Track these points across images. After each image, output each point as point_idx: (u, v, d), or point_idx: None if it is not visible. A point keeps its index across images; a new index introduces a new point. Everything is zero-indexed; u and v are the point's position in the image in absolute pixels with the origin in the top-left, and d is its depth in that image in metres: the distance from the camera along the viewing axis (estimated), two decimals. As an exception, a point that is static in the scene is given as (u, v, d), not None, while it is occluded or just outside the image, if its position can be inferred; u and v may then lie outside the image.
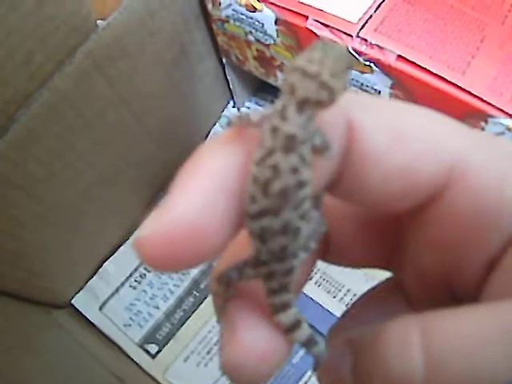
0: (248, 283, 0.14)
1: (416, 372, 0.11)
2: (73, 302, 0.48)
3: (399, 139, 0.13)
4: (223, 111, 0.55)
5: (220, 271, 0.14)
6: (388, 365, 0.12)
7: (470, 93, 0.34)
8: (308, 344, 0.14)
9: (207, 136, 0.54)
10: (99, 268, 0.49)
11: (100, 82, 0.37)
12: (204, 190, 0.12)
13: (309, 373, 0.44)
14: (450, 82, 0.35)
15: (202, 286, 0.49)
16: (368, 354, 0.13)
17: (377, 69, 0.37)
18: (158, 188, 0.52)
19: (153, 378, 0.46)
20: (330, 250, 0.17)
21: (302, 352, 0.45)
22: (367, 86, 0.39)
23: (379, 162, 0.13)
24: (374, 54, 0.37)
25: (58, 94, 0.34)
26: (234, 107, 0.55)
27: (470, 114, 0.35)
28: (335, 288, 0.46)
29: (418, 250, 0.15)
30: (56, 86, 0.33)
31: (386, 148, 0.13)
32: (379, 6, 0.38)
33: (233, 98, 0.54)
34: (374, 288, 0.19)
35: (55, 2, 0.32)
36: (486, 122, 0.35)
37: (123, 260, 0.50)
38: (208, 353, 0.46)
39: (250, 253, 0.13)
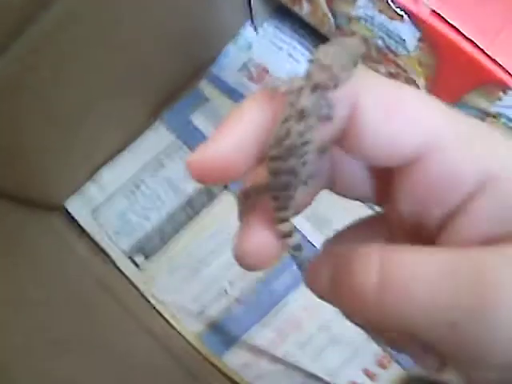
0: (262, 200, 0.19)
1: (370, 286, 0.16)
2: (66, 205, 0.49)
3: (388, 115, 0.17)
4: (240, 30, 0.53)
5: (245, 188, 0.19)
6: (352, 277, 0.16)
7: (495, 61, 0.34)
8: (296, 249, 0.19)
9: (220, 53, 0.53)
10: (96, 174, 0.50)
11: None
12: (239, 134, 0.17)
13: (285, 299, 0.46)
14: (478, 47, 0.34)
15: (196, 204, 0.49)
16: (341, 267, 0.17)
17: (408, 19, 0.36)
18: (162, 100, 0.51)
19: (137, 288, 0.47)
20: (337, 184, 0.21)
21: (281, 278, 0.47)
22: (394, 33, 0.38)
23: (371, 130, 0.17)
24: (408, 3, 0.35)
25: (73, 3, 0.32)
26: (251, 27, 0.53)
27: (491, 82, 0.35)
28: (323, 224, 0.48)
29: (400, 195, 0.19)
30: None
31: (377, 121, 0.17)
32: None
33: (251, 17, 0.52)
34: (366, 218, 0.23)
35: None
36: (505, 92, 0.35)
37: (119, 168, 0.50)
38: (193, 269, 0.48)
39: (265, 180, 0.18)
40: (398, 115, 0.17)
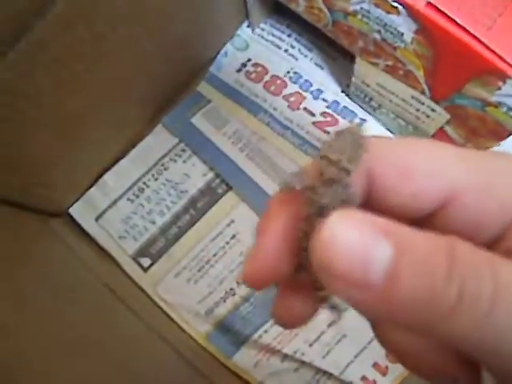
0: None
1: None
2: (70, 210, 0.49)
3: (404, 179, 0.17)
4: (237, 31, 0.53)
5: None
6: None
7: (492, 50, 0.34)
8: (334, 311, 0.20)
9: (217, 54, 0.53)
10: (99, 179, 0.50)
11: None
12: (271, 244, 0.18)
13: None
14: (475, 37, 0.34)
15: (199, 204, 0.49)
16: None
17: (404, 11, 0.36)
18: (162, 103, 0.51)
19: (143, 291, 0.47)
20: None
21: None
22: (390, 26, 0.38)
23: (392, 196, 0.18)
24: (403, -4, 0.35)
25: (71, 5, 0.33)
26: (248, 27, 0.53)
27: (490, 72, 0.35)
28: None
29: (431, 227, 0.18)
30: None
31: (395, 187, 0.18)
32: None
33: (248, 17, 0.52)
34: None
35: None
36: (504, 82, 0.34)
37: (123, 173, 0.50)
38: (199, 270, 0.48)
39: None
40: (413, 178, 0.17)
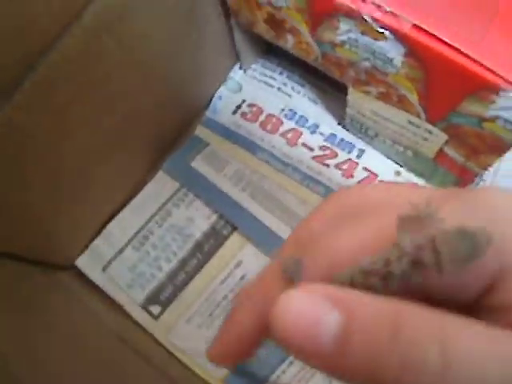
0: None
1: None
2: (76, 263, 0.49)
3: None
4: (229, 73, 0.54)
5: None
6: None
7: (482, 65, 0.34)
8: None
9: (212, 98, 0.54)
10: (102, 229, 0.50)
11: (105, 45, 0.36)
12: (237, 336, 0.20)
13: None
14: (463, 54, 0.34)
15: (206, 248, 0.49)
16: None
17: (391, 36, 0.37)
18: (162, 150, 0.52)
19: (155, 339, 0.46)
20: None
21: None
22: (379, 52, 0.39)
23: None
24: (389, 21, 0.36)
25: (65, 56, 0.33)
26: (240, 69, 0.54)
27: (483, 87, 0.35)
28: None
29: None
30: (63, 48, 0.33)
31: None
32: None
33: (239, 59, 0.53)
34: None
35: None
36: (498, 95, 0.35)
37: (126, 221, 0.50)
38: (210, 314, 0.47)
39: None
40: None
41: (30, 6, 0.30)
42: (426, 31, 0.35)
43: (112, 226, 0.50)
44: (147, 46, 0.41)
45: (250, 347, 0.20)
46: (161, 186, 0.51)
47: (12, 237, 0.39)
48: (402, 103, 0.42)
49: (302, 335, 0.13)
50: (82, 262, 0.49)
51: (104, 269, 0.49)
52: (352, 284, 0.15)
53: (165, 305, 0.48)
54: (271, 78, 0.54)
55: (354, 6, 0.37)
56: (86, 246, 0.49)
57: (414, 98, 0.40)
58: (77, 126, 0.38)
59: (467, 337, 0.13)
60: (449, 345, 0.12)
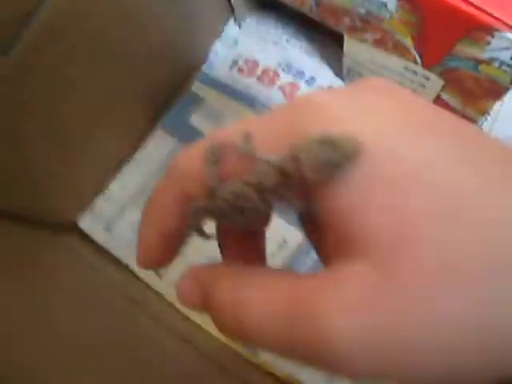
0: None
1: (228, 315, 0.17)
2: (79, 223, 0.49)
3: None
4: (224, 28, 0.54)
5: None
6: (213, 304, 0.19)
7: (477, 6, 0.34)
8: None
9: (208, 52, 0.53)
10: (103, 188, 0.50)
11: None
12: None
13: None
14: (457, -5, 0.34)
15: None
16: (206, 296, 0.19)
17: (384, -20, 0.36)
18: (159, 108, 0.52)
19: (160, 295, 0.47)
20: None
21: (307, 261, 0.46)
22: (372, -2, 0.38)
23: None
24: (381, -36, 0.36)
25: (56, 12, 0.33)
26: (235, 24, 0.54)
27: (477, 28, 0.34)
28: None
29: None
30: (56, 4, 0.33)
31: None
32: None
33: (233, 14, 0.53)
34: None
35: None
36: (493, 36, 0.34)
37: (127, 180, 0.50)
38: (213, 269, 0.48)
39: None
40: None
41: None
42: (418, -28, 0.34)
43: (113, 184, 0.50)
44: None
45: (173, 243, 0.23)
46: (160, 142, 0.51)
47: (13, 196, 0.39)
48: (397, 49, 0.41)
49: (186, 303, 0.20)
50: (85, 223, 0.49)
51: (107, 228, 0.49)
52: (239, 195, 0.16)
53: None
54: (266, 32, 0.54)
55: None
56: (88, 206, 0.49)
57: (409, 42, 0.40)
58: (74, 82, 0.38)
59: (251, 299, 0.16)
60: (237, 308, 0.17)
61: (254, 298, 0.16)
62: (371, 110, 0.16)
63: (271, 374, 0.46)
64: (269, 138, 0.16)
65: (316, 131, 0.15)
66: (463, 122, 0.17)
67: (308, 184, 0.15)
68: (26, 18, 0.32)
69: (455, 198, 0.14)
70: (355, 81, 0.18)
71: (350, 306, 0.14)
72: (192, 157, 0.18)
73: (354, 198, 0.14)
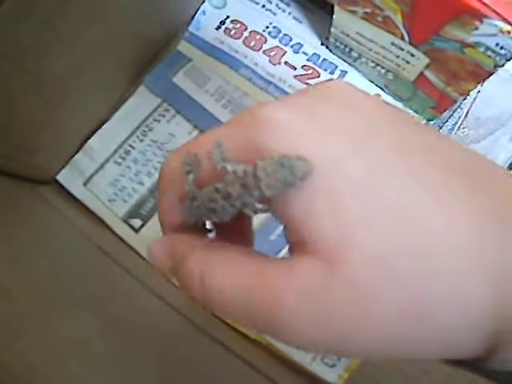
0: None
1: (196, 288, 0.19)
2: (57, 177, 0.49)
3: None
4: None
5: None
6: (182, 278, 0.20)
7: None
8: None
9: (194, 14, 0.53)
10: (84, 144, 0.50)
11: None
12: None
13: (284, 250, 0.47)
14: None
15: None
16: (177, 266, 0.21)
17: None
18: (144, 65, 0.51)
19: (136, 252, 0.48)
20: None
21: (278, 230, 0.47)
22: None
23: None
24: None
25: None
26: (224, -17, 0.53)
27: (467, 12, 0.35)
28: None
29: None
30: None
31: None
32: None
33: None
34: None
35: None
36: (481, 21, 0.35)
37: (108, 136, 0.50)
38: (190, 229, 0.48)
39: None
40: None
41: None
42: (414, -49, 0.34)
43: (93, 140, 0.50)
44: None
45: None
46: (142, 100, 0.51)
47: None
48: (386, 24, 0.42)
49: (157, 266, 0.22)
50: (64, 177, 0.49)
51: (85, 183, 0.49)
52: (211, 200, 0.19)
53: (146, 219, 0.49)
54: (256, -6, 0.53)
55: None
56: (68, 161, 0.49)
57: (398, 19, 0.40)
58: (62, 36, 0.38)
59: (218, 272, 0.19)
60: (205, 278, 0.19)
61: (220, 271, 0.19)
62: (327, 127, 0.18)
63: (242, 333, 0.47)
64: (236, 150, 0.18)
65: (276, 150, 0.17)
66: (418, 132, 0.19)
67: (266, 196, 0.17)
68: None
69: (381, 203, 0.17)
70: (319, 84, 0.20)
71: (301, 289, 0.17)
72: (173, 165, 0.21)
73: (304, 207, 0.17)
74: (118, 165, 0.50)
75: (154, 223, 0.49)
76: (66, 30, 0.37)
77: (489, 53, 0.37)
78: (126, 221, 0.49)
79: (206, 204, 0.19)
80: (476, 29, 0.36)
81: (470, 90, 0.43)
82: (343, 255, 0.16)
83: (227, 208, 0.18)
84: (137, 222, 0.49)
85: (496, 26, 0.34)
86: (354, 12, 0.43)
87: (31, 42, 0.35)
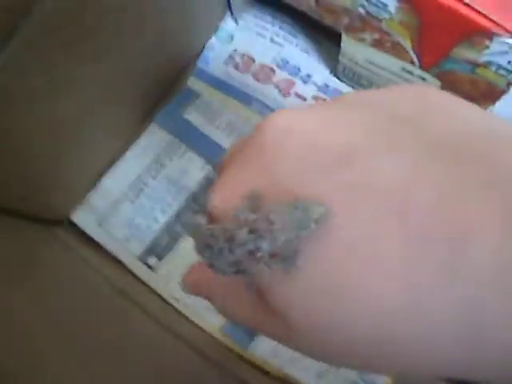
0: None
1: None
2: (72, 217, 0.49)
3: None
4: (220, 24, 0.53)
5: None
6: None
7: (476, 10, 0.34)
8: None
9: (204, 47, 0.53)
10: (97, 183, 0.50)
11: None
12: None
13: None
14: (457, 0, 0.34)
15: (201, 199, 0.49)
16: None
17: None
18: (154, 102, 0.51)
19: (153, 290, 0.47)
20: None
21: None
22: (373, -1, 0.38)
23: None
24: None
25: (57, 2, 0.33)
26: (232, 19, 0.54)
27: (476, 32, 0.35)
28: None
29: None
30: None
31: None
32: None
33: (230, 9, 0.53)
34: None
35: None
36: (492, 40, 0.35)
37: (121, 175, 0.50)
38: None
39: None
40: None
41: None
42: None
43: (106, 179, 0.50)
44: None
45: None
46: (154, 138, 0.51)
47: (6, 192, 0.39)
48: (395, 50, 0.42)
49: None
50: (78, 217, 0.49)
51: (100, 223, 0.49)
52: (211, 235, 0.18)
53: (162, 256, 0.48)
54: (262, 27, 0.54)
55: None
56: (82, 200, 0.49)
57: (407, 44, 0.40)
58: (70, 76, 0.38)
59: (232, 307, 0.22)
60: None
61: (233, 307, 0.22)
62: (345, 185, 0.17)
63: (262, 369, 0.46)
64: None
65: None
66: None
67: (277, 243, 0.16)
68: (26, 9, 0.32)
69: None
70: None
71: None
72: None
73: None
74: (132, 203, 0.49)
75: (170, 259, 0.48)
76: (72, 69, 0.38)
77: (501, 71, 0.37)
78: (142, 259, 0.48)
79: (206, 238, 0.18)
80: (487, 48, 0.35)
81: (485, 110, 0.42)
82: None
83: (225, 252, 0.17)
84: (153, 260, 0.48)
85: (507, 43, 0.34)
86: (362, 39, 0.43)
87: (40, 83, 0.35)
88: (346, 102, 0.19)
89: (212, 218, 0.20)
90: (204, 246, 0.18)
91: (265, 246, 0.16)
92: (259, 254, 0.16)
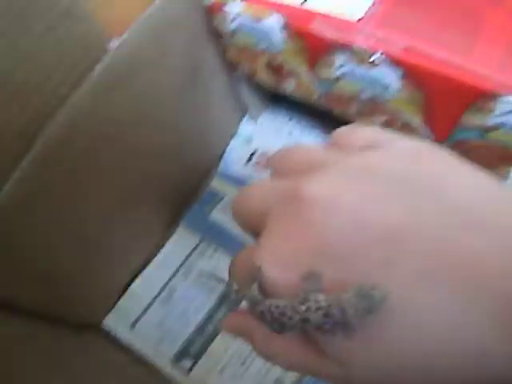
0: None
1: None
2: (104, 322, 0.49)
3: None
4: (240, 125, 0.56)
5: None
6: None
7: (476, 74, 0.35)
8: None
9: (223, 152, 0.55)
10: (128, 288, 0.50)
11: (116, 101, 0.38)
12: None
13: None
14: (457, 67, 0.35)
15: (232, 298, 0.49)
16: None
17: (385, 62, 0.38)
18: (179, 205, 0.53)
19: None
20: None
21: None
22: (376, 80, 0.40)
23: None
24: (381, 47, 0.37)
25: (76, 112, 0.35)
26: (249, 120, 0.56)
27: (480, 96, 0.35)
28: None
29: None
30: (74, 105, 0.35)
31: None
32: (379, 2, 0.39)
33: (249, 111, 0.55)
34: None
35: (65, 25, 0.33)
36: (496, 100, 0.35)
37: (151, 279, 0.50)
38: (242, 364, 0.46)
39: None
40: None
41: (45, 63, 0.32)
42: (418, 52, 0.36)
43: (136, 284, 0.50)
44: (156, 101, 0.42)
45: None
46: (182, 240, 0.52)
47: (36, 297, 0.39)
48: (406, 129, 0.42)
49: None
50: (109, 322, 0.49)
51: (132, 327, 0.48)
52: (281, 314, 0.19)
53: (196, 358, 0.47)
54: (280, 123, 0.56)
55: (346, 39, 0.38)
56: (113, 306, 0.49)
57: (417, 121, 0.41)
58: (92, 186, 0.40)
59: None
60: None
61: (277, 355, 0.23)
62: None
63: None
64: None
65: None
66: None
67: (351, 326, 0.18)
68: (45, 121, 0.34)
69: None
70: None
71: None
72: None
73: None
74: (163, 305, 0.49)
75: (204, 362, 0.47)
76: (97, 180, 0.39)
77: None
78: (175, 362, 0.47)
79: (273, 314, 0.20)
80: (493, 110, 0.36)
81: (506, 174, 0.42)
82: None
83: (297, 328, 0.19)
84: (187, 363, 0.47)
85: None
86: (372, 123, 0.44)
87: (61, 193, 0.37)
88: (373, 170, 0.20)
89: (268, 290, 0.20)
90: (274, 323, 0.20)
91: (339, 331, 0.19)
92: (327, 328, 0.19)
